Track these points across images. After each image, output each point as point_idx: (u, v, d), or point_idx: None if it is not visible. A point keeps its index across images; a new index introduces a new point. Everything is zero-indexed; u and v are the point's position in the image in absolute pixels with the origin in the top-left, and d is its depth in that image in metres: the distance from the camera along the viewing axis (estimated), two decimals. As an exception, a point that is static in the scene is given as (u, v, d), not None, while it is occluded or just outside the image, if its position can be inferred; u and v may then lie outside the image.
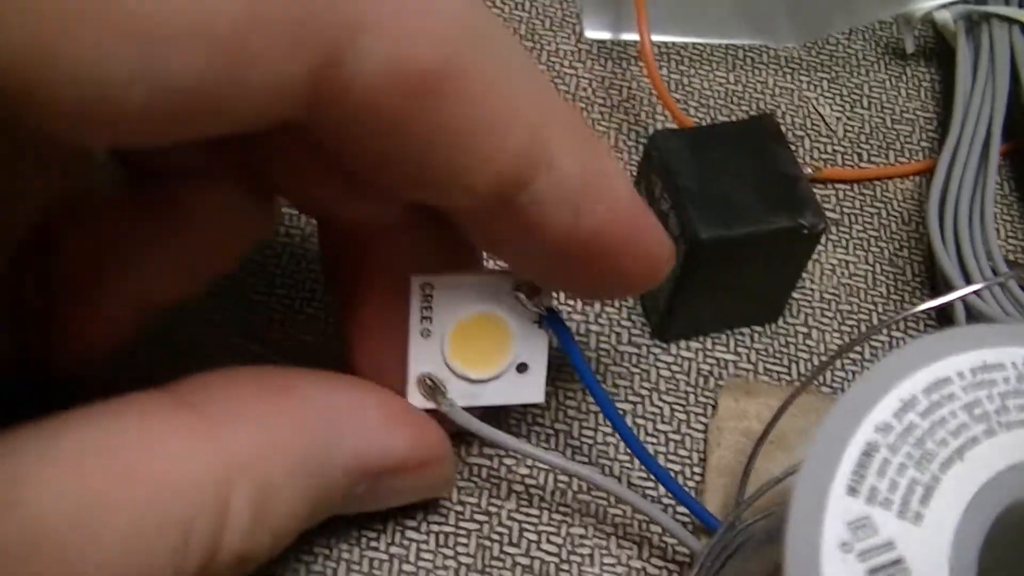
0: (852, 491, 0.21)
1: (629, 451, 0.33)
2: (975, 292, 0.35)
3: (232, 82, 0.20)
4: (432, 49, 0.22)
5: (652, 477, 0.32)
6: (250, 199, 0.29)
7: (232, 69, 0.20)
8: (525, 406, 0.34)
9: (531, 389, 0.30)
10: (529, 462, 0.33)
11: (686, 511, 0.32)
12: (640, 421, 0.34)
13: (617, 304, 0.37)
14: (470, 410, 0.30)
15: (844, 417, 0.22)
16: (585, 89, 0.42)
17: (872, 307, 0.38)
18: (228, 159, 0.28)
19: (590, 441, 0.34)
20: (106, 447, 0.22)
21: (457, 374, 0.29)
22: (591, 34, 0.43)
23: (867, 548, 0.20)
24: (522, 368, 0.30)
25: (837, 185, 0.41)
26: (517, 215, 0.25)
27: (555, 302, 0.30)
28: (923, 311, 0.32)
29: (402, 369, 0.30)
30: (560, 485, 0.33)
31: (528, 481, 0.33)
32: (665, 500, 0.33)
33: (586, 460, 0.34)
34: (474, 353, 0.30)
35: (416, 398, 0.29)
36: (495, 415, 0.32)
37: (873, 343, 0.37)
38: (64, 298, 0.29)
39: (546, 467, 0.33)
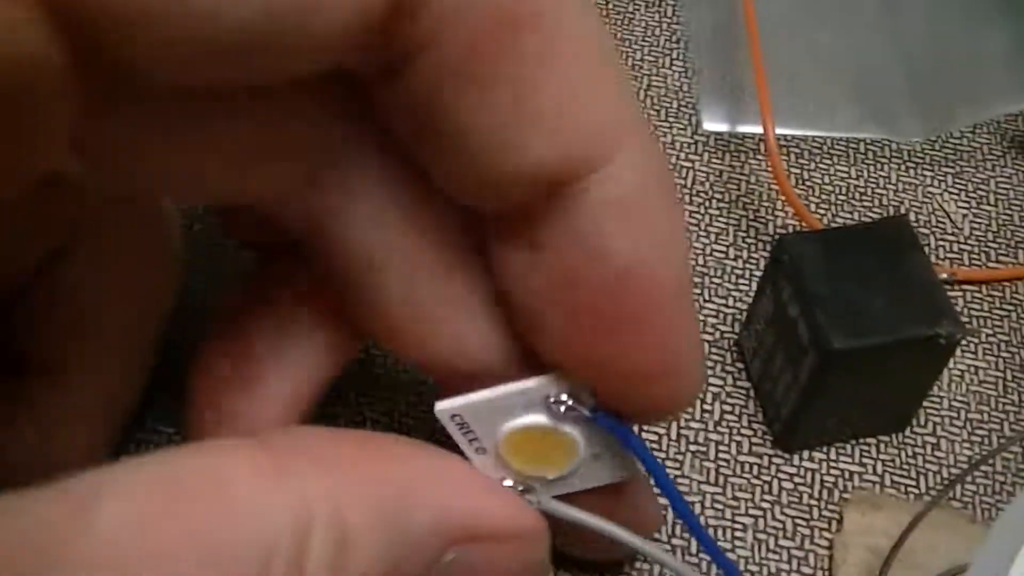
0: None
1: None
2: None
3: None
4: None
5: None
6: None
7: None
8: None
9: (617, 468, 0.27)
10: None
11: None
12: (761, 536, 0.33)
13: (737, 412, 0.35)
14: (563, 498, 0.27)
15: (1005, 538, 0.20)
16: (703, 183, 0.41)
17: (1004, 416, 0.36)
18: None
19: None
20: (180, 482, 0.22)
21: (533, 477, 0.27)
22: (709, 126, 0.42)
23: None
24: (597, 456, 0.27)
25: (965, 286, 0.39)
26: (555, 220, 0.22)
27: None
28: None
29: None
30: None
31: None
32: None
33: None
34: (540, 457, 0.27)
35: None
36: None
37: (1006, 456, 0.36)
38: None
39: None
